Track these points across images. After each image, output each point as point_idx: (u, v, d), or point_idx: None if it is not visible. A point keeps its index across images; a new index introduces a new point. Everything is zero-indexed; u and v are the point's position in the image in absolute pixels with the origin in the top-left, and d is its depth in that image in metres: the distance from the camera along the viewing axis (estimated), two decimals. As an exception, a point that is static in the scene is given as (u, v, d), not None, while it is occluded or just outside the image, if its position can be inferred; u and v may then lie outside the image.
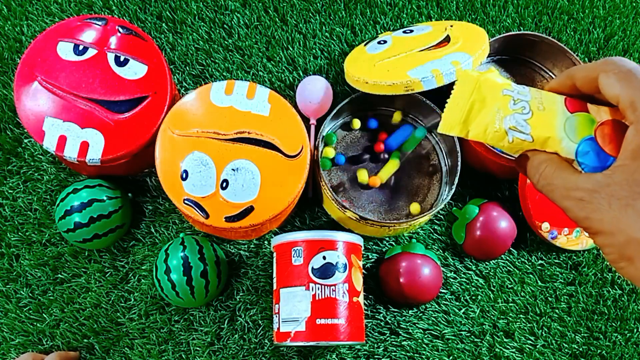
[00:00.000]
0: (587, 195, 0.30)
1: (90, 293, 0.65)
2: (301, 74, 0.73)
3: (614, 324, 0.68)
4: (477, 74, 0.37)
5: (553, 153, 0.33)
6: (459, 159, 0.64)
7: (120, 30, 0.63)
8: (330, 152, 0.67)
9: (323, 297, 0.57)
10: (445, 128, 0.38)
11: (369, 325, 0.65)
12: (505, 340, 0.66)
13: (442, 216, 0.70)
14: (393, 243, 0.68)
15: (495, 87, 0.35)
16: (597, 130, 0.32)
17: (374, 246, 0.68)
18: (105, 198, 0.62)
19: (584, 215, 0.30)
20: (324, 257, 0.58)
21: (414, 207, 0.66)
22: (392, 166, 0.68)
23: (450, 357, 0.65)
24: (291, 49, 0.74)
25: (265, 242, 0.67)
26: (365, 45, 0.72)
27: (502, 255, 0.68)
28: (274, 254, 0.61)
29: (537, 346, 0.66)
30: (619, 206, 0.29)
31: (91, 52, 0.61)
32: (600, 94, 0.32)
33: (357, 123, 0.69)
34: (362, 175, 0.67)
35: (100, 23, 0.63)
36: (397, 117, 0.70)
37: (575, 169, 0.32)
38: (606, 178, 0.30)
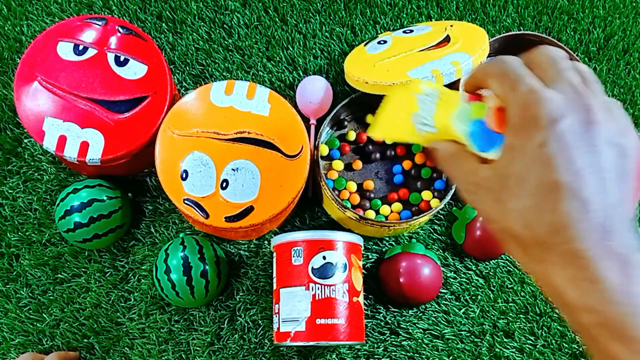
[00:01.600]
0: (473, 187, 0.34)
1: (90, 293, 0.65)
2: (301, 74, 0.73)
3: (614, 324, 0.68)
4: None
5: (456, 143, 0.37)
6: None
7: (120, 30, 0.63)
8: (324, 149, 0.68)
9: (323, 297, 0.57)
10: (370, 132, 0.43)
11: (369, 325, 0.65)
12: (505, 340, 0.66)
13: (442, 216, 0.70)
14: (393, 243, 0.68)
15: (407, 91, 0.40)
16: (487, 113, 0.34)
17: (374, 246, 0.68)
18: (105, 198, 0.62)
19: (474, 205, 0.35)
20: (324, 257, 0.58)
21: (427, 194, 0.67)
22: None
23: (450, 357, 0.65)
24: (291, 49, 0.74)
25: (265, 242, 0.67)
26: (365, 45, 0.72)
27: (502, 255, 0.68)
28: (274, 254, 0.61)
29: (537, 346, 0.66)
30: (492, 199, 0.32)
31: (91, 52, 0.61)
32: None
33: (352, 134, 0.69)
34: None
35: (100, 23, 0.63)
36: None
37: (473, 160, 0.35)
38: (486, 171, 0.33)
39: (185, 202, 0.58)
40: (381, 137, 0.42)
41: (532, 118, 0.31)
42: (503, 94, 0.33)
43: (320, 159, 0.67)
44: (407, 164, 0.68)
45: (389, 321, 0.66)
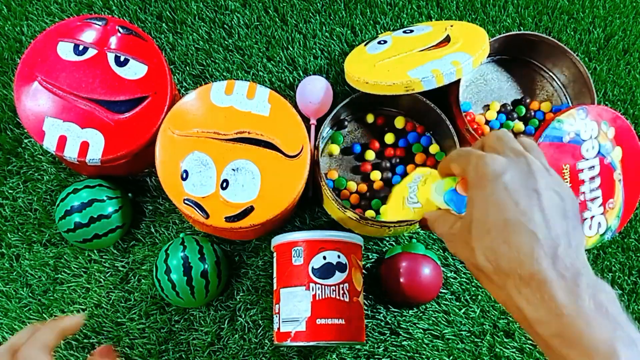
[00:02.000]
0: (451, 237, 0.42)
1: (90, 293, 0.65)
2: (301, 74, 0.73)
3: (614, 324, 0.68)
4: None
5: (440, 209, 0.46)
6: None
7: (120, 30, 0.63)
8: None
9: (323, 297, 0.57)
10: (382, 217, 0.62)
11: (369, 325, 0.65)
12: (505, 340, 0.66)
13: (442, 216, 0.70)
14: (393, 243, 0.68)
15: (402, 183, 0.52)
16: (457, 184, 0.44)
17: (374, 246, 0.68)
18: (105, 198, 0.62)
19: (453, 250, 0.42)
20: (324, 257, 0.58)
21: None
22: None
23: (451, 357, 0.65)
24: (291, 49, 0.74)
25: (265, 242, 0.67)
26: (365, 45, 0.72)
27: (502, 255, 0.68)
28: (274, 254, 0.61)
29: (537, 346, 0.66)
30: (462, 243, 0.40)
31: (91, 52, 0.61)
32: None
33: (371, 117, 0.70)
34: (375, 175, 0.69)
35: (100, 23, 0.63)
36: (399, 122, 0.70)
37: (453, 218, 0.43)
38: (458, 223, 0.41)
39: (186, 202, 0.58)
40: (391, 219, 0.59)
41: (483, 175, 0.39)
42: (462, 169, 0.41)
43: (326, 157, 0.67)
44: (411, 169, 0.68)
45: (389, 321, 0.66)
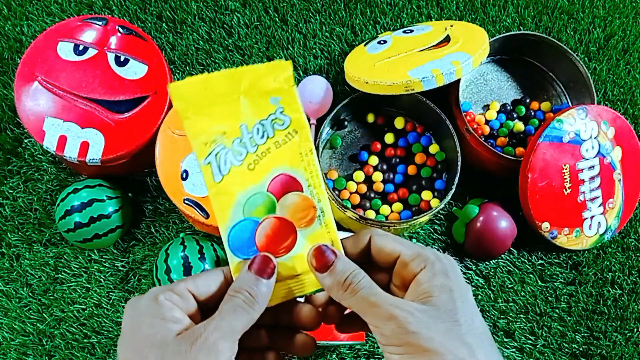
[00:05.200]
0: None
1: (90, 293, 0.65)
2: (301, 74, 0.73)
3: (614, 324, 0.68)
4: None
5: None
6: (459, 158, 0.64)
7: (121, 30, 0.63)
8: (333, 174, 0.68)
9: (323, 297, 0.57)
10: None
11: (369, 325, 0.65)
12: (505, 340, 0.66)
13: (442, 216, 0.70)
14: (393, 243, 0.68)
15: None
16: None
17: (374, 246, 0.68)
18: (105, 198, 0.62)
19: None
20: (324, 257, 0.58)
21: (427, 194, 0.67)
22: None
23: (451, 357, 0.65)
24: (291, 49, 0.74)
25: (266, 242, 0.67)
26: (365, 45, 0.72)
27: (502, 255, 0.69)
28: (274, 254, 0.61)
29: (537, 346, 0.66)
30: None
31: (91, 52, 0.62)
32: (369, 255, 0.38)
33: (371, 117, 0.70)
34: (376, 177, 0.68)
35: (100, 23, 0.63)
36: (399, 122, 0.70)
37: None
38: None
39: (186, 202, 0.58)
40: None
41: None
42: (407, 249, 0.37)
43: (326, 157, 0.67)
44: (412, 169, 0.68)
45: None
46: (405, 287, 0.36)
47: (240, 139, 0.37)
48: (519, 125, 0.71)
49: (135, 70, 0.62)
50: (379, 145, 0.69)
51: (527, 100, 0.72)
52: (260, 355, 0.38)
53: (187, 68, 0.72)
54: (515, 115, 0.72)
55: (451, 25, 0.69)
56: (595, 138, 0.65)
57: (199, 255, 0.61)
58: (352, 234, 0.39)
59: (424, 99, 0.66)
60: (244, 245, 0.36)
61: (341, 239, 0.38)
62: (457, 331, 0.32)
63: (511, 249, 0.69)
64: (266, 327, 0.38)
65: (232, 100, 0.36)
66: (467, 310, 0.33)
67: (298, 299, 0.38)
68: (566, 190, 0.64)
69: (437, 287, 0.34)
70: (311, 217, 0.37)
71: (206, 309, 0.35)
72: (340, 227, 0.68)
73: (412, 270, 0.35)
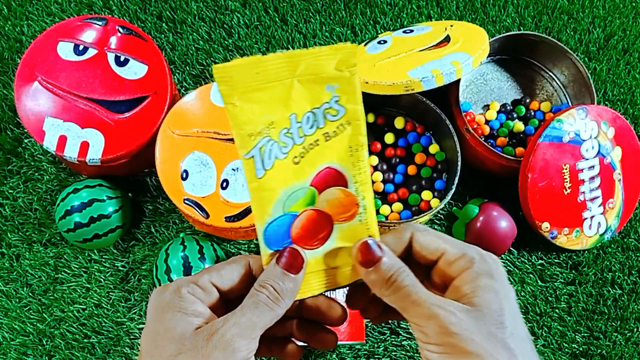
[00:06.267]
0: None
1: (90, 293, 0.65)
2: (301, 74, 0.73)
3: (614, 324, 0.68)
4: None
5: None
6: (459, 158, 0.64)
7: (121, 30, 0.63)
8: None
9: (323, 297, 0.57)
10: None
11: (369, 325, 0.65)
12: (505, 340, 0.66)
13: (442, 216, 0.70)
14: (393, 243, 0.68)
15: None
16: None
17: (374, 246, 0.68)
18: (105, 198, 0.62)
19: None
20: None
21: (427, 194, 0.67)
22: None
23: (451, 357, 0.65)
24: (291, 49, 0.74)
25: (266, 242, 0.67)
26: (365, 45, 0.72)
27: (502, 255, 0.69)
28: (274, 254, 0.61)
29: (537, 346, 0.66)
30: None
31: (91, 52, 0.62)
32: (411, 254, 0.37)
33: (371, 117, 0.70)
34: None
35: (100, 23, 0.63)
36: (399, 122, 0.70)
37: None
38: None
39: (186, 202, 0.58)
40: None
41: None
42: (452, 247, 0.36)
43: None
44: (412, 169, 0.68)
45: (389, 321, 0.66)
46: (445, 285, 0.35)
47: (288, 129, 0.33)
48: (519, 125, 0.71)
49: (135, 70, 0.62)
50: (379, 145, 0.69)
51: (527, 100, 0.73)
52: (279, 345, 0.37)
53: (187, 68, 0.72)
54: (515, 115, 0.72)
55: (451, 25, 0.69)
56: (595, 138, 0.65)
57: (199, 255, 0.61)
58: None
59: (424, 99, 0.66)
60: (279, 237, 0.35)
61: (381, 236, 0.36)
62: (499, 335, 0.31)
63: (511, 249, 0.69)
64: (289, 318, 0.38)
65: (284, 86, 0.33)
66: (510, 313, 0.33)
67: (325, 294, 0.37)
68: (566, 190, 0.64)
69: (481, 288, 0.33)
70: (352, 213, 0.35)
71: (231, 299, 0.35)
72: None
73: (455, 269, 0.34)
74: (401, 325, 0.66)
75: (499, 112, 0.72)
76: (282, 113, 0.33)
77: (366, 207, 0.35)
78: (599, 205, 0.66)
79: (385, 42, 0.70)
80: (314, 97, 0.33)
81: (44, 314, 0.64)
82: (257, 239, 0.67)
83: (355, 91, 0.34)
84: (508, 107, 0.72)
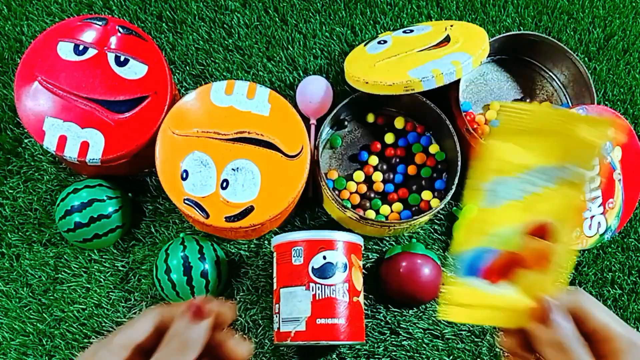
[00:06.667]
0: None
1: (90, 293, 0.65)
2: (301, 74, 0.73)
3: (614, 324, 0.68)
4: None
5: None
6: (459, 158, 0.64)
7: (121, 30, 0.63)
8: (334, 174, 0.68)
9: (323, 297, 0.57)
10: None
11: (369, 325, 0.65)
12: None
13: (442, 216, 0.70)
14: (393, 243, 0.68)
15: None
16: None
17: (374, 246, 0.68)
18: (105, 198, 0.62)
19: None
20: (324, 257, 0.58)
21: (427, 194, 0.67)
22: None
23: (451, 357, 0.65)
24: (291, 49, 0.74)
25: (265, 242, 0.67)
26: (365, 45, 0.72)
27: (502, 255, 0.68)
28: (274, 254, 0.61)
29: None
30: None
31: (91, 52, 0.61)
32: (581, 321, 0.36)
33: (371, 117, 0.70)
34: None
35: (100, 23, 0.63)
36: (399, 122, 0.70)
37: None
38: None
39: (186, 202, 0.58)
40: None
41: None
42: (619, 330, 0.35)
43: (326, 157, 0.67)
44: (412, 169, 0.68)
45: (389, 321, 0.66)
46: (598, 356, 0.35)
47: (533, 176, 0.36)
48: (519, 125, 0.71)
49: (135, 70, 0.62)
50: (379, 145, 0.69)
51: (527, 100, 0.72)
52: None
53: (187, 68, 0.72)
54: (515, 115, 0.72)
55: (451, 25, 0.69)
56: (595, 138, 0.65)
57: (199, 255, 0.61)
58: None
59: (424, 99, 0.66)
60: (470, 267, 0.36)
61: (556, 296, 0.37)
62: None
63: (511, 249, 0.69)
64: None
65: (546, 138, 0.35)
66: None
67: (234, 336, 0.38)
68: (566, 190, 0.64)
69: None
70: (544, 266, 0.36)
71: (150, 348, 0.36)
72: (340, 227, 0.68)
73: (617, 353, 0.34)
74: (401, 325, 0.66)
75: (499, 112, 0.72)
76: (535, 160, 0.36)
77: (559, 266, 0.36)
78: (599, 205, 0.66)
79: (385, 42, 0.70)
80: (564, 154, 0.36)
81: (44, 314, 0.64)
82: (257, 239, 0.67)
83: (592, 158, 0.36)
84: (508, 107, 0.72)
